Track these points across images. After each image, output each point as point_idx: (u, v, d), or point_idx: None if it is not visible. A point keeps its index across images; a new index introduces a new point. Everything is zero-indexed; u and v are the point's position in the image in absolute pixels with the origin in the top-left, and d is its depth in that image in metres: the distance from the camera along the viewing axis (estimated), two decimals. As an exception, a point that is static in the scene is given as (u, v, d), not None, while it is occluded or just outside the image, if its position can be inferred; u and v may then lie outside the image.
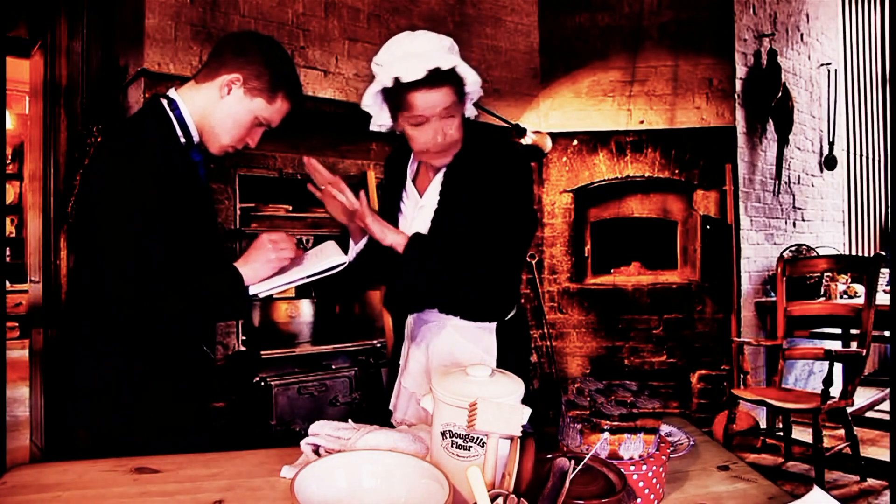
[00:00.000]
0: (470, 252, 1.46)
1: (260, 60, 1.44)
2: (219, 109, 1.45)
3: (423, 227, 1.54)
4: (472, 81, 1.45)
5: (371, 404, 3.22)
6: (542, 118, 4.30)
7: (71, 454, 2.80)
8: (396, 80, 1.37)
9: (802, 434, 3.67)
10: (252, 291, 1.45)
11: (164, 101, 1.44)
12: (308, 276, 1.47)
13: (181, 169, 1.40)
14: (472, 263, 1.46)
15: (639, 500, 1.04)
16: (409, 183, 1.63)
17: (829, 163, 5.05)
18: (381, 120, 1.49)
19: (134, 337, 1.37)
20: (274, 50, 1.49)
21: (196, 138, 1.47)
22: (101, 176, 1.34)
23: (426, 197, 1.58)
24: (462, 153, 1.53)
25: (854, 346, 3.70)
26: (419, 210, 1.58)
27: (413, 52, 1.38)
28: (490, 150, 1.56)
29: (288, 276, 1.48)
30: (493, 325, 1.56)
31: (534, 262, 4.26)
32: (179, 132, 1.43)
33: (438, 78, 1.38)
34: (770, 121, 4.40)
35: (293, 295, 3.49)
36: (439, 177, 1.57)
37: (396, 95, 1.41)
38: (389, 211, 1.64)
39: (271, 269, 1.43)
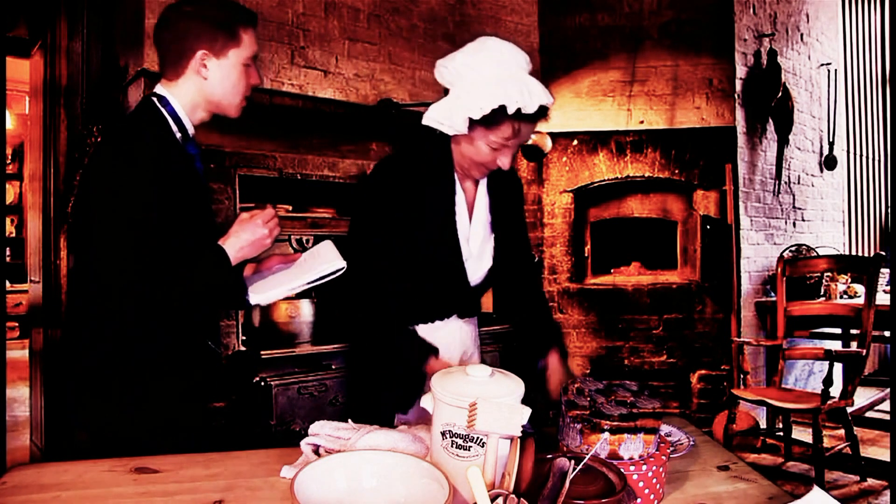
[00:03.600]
0: (523, 261, 1.55)
1: (206, 26, 1.43)
2: (213, 86, 1.45)
3: (482, 256, 1.54)
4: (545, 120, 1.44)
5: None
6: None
7: (71, 454, 2.79)
8: (518, 110, 1.32)
9: (802, 434, 3.67)
10: (253, 302, 1.44)
11: (155, 99, 1.45)
12: (308, 283, 1.44)
13: (179, 165, 1.41)
14: (533, 271, 1.57)
15: (639, 500, 1.04)
16: (461, 202, 1.53)
17: (829, 163, 5.05)
18: (458, 126, 1.38)
19: (135, 335, 1.37)
20: (205, 5, 1.46)
21: (191, 130, 1.47)
22: (100, 177, 1.34)
23: (476, 218, 1.54)
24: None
25: (854, 346, 3.70)
26: (473, 233, 1.54)
27: (523, 78, 1.35)
28: None
29: (288, 282, 1.46)
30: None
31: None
32: (175, 128, 1.43)
33: (540, 113, 1.37)
34: (770, 121, 4.40)
35: (293, 295, 3.48)
36: (483, 194, 1.56)
37: (494, 117, 1.34)
38: (437, 233, 1.49)
39: (259, 246, 1.41)
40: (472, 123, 1.36)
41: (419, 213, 1.46)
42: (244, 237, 1.40)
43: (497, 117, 1.33)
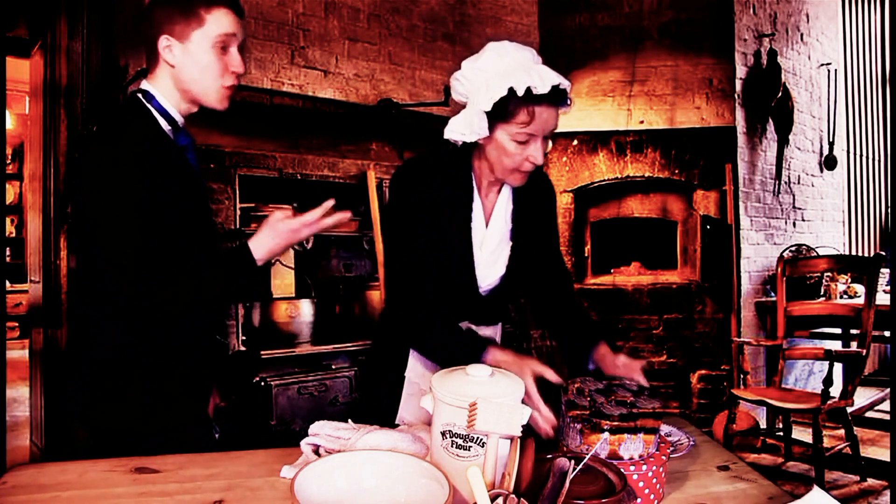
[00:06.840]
0: (554, 270, 1.52)
1: (165, 10, 1.38)
2: (182, 73, 1.41)
3: (495, 263, 1.50)
4: (568, 107, 1.41)
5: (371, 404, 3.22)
6: (542, 118, 4.29)
7: (71, 454, 2.79)
8: (528, 90, 1.30)
9: (802, 434, 3.67)
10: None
11: (140, 95, 1.43)
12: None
13: (168, 156, 1.40)
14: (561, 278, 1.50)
15: (639, 500, 1.04)
16: (478, 210, 1.49)
17: (829, 163, 5.05)
18: (477, 128, 1.35)
19: (139, 333, 1.36)
20: None
21: (180, 122, 1.45)
22: (89, 175, 1.34)
23: (493, 225, 1.51)
24: None
25: (854, 346, 3.70)
26: (487, 240, 1.50)
27: (529, 67, 1.35)
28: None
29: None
30: (500, 324, 1.60)
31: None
32: (163, 121, 1.42)
33: (557, 96, 1.36)
34: (770, 121, 4.40)
35: (293, 294, 3.48)
36: (504, 201, 1.51)
37: (507, 106, 1.32)
38: (451, 238, 1.47)
39: (281, 242, 1.43)
40: (492, 123, 1.35)
41: (437, 217, 1.45)
42: (264, 232, 1.42)
43: (510, 106, 1.32)
